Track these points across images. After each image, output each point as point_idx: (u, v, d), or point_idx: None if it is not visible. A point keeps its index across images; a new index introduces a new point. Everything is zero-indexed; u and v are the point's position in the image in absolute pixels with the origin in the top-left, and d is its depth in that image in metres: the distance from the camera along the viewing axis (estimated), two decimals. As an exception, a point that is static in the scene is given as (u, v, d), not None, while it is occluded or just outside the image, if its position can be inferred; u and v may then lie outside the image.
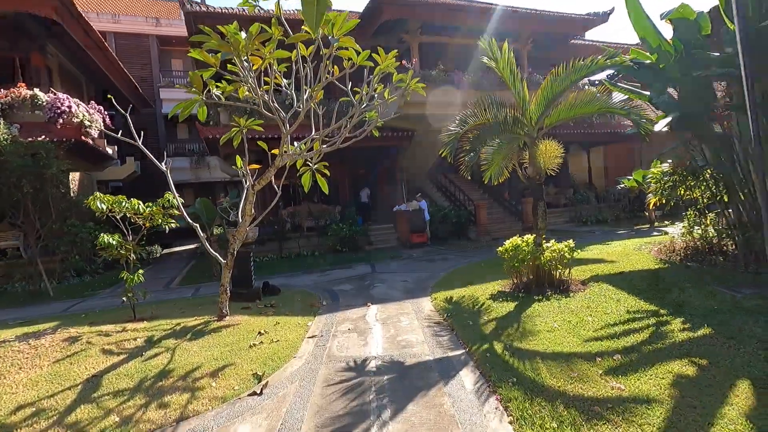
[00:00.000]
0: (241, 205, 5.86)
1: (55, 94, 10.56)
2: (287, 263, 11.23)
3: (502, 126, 6.36)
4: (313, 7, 3.64)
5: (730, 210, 6.54)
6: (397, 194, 14.60)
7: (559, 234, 10.17)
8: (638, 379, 3.13)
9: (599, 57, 5.91)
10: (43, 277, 9.06)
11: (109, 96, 6.23)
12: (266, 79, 4.87)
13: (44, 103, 10.22)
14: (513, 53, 6.20)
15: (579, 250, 5.92)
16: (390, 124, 11.59)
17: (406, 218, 13.00)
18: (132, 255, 5.82)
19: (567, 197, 16.49)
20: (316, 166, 5.53)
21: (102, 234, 5.61)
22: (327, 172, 5.59)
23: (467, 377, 3.63)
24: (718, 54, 5.78)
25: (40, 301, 8.26)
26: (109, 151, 13.87)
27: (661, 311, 4.55)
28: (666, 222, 9.87)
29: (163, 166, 5.57)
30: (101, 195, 5.59)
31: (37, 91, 10.34)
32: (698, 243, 7.19)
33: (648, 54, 6.40)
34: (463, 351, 4.25)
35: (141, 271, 5.76)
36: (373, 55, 4.87)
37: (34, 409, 3.35)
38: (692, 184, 7.14)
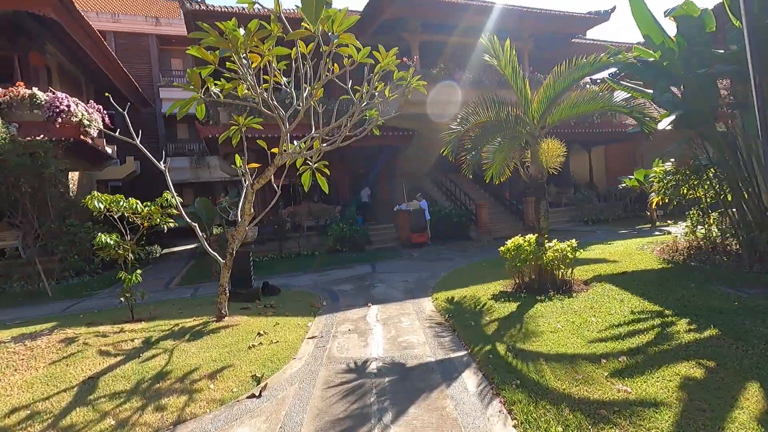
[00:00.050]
0: (240, 205, 5.80)
1: (53, 93, 10.51)
2: (287, 263, 11.17)
3: (504, 124, 6.30)
4: (313, 0, 3.58)
5: (734, 209, 6.48)
6: (397, 194, 14.54)
7: (561, 233, 10.11)
8: (645, 382, 3.06)
9: (602, 54, 5.86)
10: (42, 277, 9.00)
11: (106, 94, 6.16)
12: (265, 77, 4.81)
13: (43, 102, 10.17)
14: (515, 51, 6.14)
15: (581, 250, 5.87)
16: (390, 123, 11.56)
17: (406, 218, 12.94)
18: (130, 255, 5.76)
19: (568, 197, 16.44)
20: (316, 165, 5.47)
21: (99, 234, 5.55)
22: (327, 171, 5.53)
23: (470, 379, 3.57)
24: (722, 51, 5.71)
25: (38, 301, 8.21)
26: (109, 150, 13.83)
27: (666, 312, 4.48)
28: (669, 222, 9.79)
29: (161, 165, 5.51)
30: (99, 194, 5.53)
31: (35, 90, 10.29)
32: (701, 243, 7.13)
33: (651, 52, 6.34)
34: (465, 352, 4.19)
35: (139, 271, 5.70)
36: (374, 52, 4.81)
37: (28, 411, 3.29)
38: (695, 183, 7.08)
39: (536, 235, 6.15)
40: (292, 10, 12.89)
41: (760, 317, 3.97)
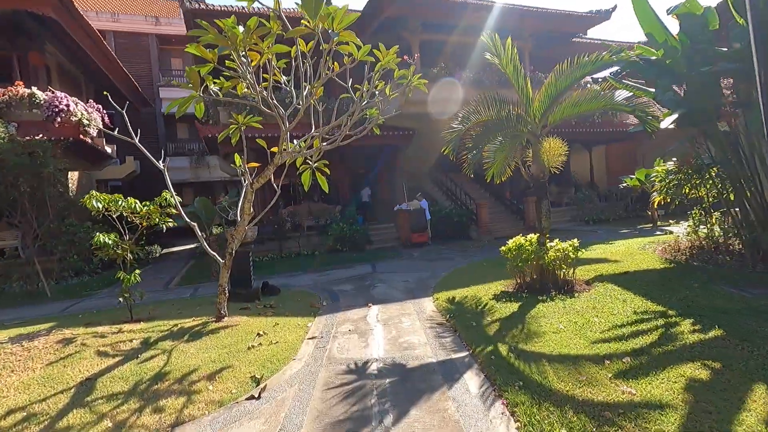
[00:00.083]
0: (239, 204, 5.75)
1: (53, 92, 10.47)
2: (287, 263, 11.12)
3: (505, 123, 6.26)
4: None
5: (737, 209, 6.43)
6: (397, 193, 14.49)
7: (562, 233, 10.07)
8: (650, 383, 3.02)
9: (604, 53, 5.82)
10: (41, 277, 8.96)
11: (105, 93, 6.12)
12: (265, 75, 4.77)
13: (42, 102, 10.12)
14: (516, 49, 6.10)
15: (582, 250, 5.82)
16: (391, 122, 11.51)
17: (407, 217, 12.90)
18: (129, 255, 5.72)
19: (569, 196, 16.40)
20: (316, 164, 5.43)
21: (97, 233, 5.51)
22: (327, 170, 5.49)
23: (472, 380, 3.53)
24: (725, 49, 5.67)
25: (37, 302, 8.16)
26: (108, 150, 13.79)
27: (670, 312, 4.44)
28: (671, 221, 9.75)
29: (160, 164, 5.47)
30: (97, 193, 5.49)
31: (34, 89, 10.24)
32: (704, 242, 7.09)
33: (654, 50, 6.29)
34: (467, 353, 4.14)
35: (138, 271, 5.66)
36: (374, 51, 4.77)
37: (24, 413, 3.25)
38: (697, 182, 7.04)
39: (538, 234, 6.11)
40: (291, 10, 12.86)
41: (764, 317, 3.93)
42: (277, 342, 4.64)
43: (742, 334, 3.62)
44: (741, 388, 2.82)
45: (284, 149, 5.15)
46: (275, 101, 4.91)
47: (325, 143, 5.54)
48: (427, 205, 13.17)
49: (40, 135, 9.49)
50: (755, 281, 5.16)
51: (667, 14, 6.09)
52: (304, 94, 4.93)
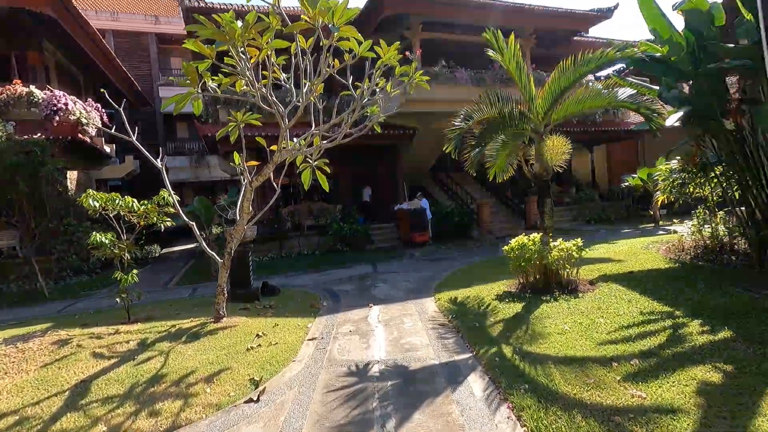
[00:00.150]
0: (239, 203, 5.67)
1: (51, 91, 10.40)
2: (287, 262, 11.03)
3: (507, 121, 6.17)
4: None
5: (743, 207, 6.34)
6: (398, 193, 14.41)
7: (564, 233, 9.97)
8: (660, 387, 2.93)
9: (609, 49, 5.72)
10: (39, 277, 8.89)
11: (102, 90, 6.04)
12: (264, 72, 4.68)
13: (40, 101, 10.05)
14: (519, 46, 6.01)
15: (585, 249, 5.73)
16: (392, 121, 11.43)
17: (407, 217, 12.81)
18: (126, 254, 5.64)
19: (570, 196, 16.32)
20: (316, 163, 5.35)
21: (94, 233, 5.43)
22: (327, 169, 5.41)
23: (476, 383, 3.44)
24: (732, 45, 5.57)
25: (34, 302, 8.09)
26: (107, 149, 13.72)
27: (677, 312, 4.35)
28: (674, 220, 9.71)
29: (158, 163, 5.38)
30: (94, 192, 5.41)
31: (33, 88, 10.17)
32: (708, 242, 7.00)
33: (658, 47, 6.20)
34: (471, 354, 4.06)
35: (135, 271, 5.57)
36: (375, 47, 4.69)
37: (17, 417, 3.17)
38: (702, 181, 6.95)
39: (540, 234, 6.03)
40: (291, 8, 12.78)
41: (775, 318, 3.84)
42: (276, 343, 4.56)
43: (753, 336, 3.53)
44: (755, 392, 2.73)
45: (284, 147, 5.07)
46: (274, 98, 4.83)
47: (325, 141, 5.45)
48: (427, 204, 13.08)
49: (38, 134, 9.43)
50: (763, 281, 5.07)
51: (673, 10, 6.00)
52: (304, 91, 4.85)
